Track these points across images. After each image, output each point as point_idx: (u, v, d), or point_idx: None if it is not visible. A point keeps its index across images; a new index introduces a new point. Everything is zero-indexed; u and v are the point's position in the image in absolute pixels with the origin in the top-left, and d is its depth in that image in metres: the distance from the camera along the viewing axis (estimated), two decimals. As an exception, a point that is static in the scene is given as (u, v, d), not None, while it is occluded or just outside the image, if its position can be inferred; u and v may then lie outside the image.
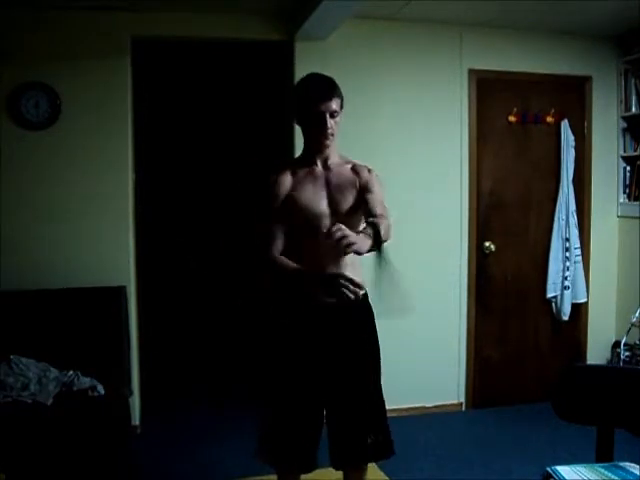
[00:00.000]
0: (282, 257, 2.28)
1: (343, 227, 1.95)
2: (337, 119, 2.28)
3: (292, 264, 2.24)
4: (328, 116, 2.23)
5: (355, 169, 2.37)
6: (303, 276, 2.23)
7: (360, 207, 2.31)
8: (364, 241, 1.98)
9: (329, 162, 2.34)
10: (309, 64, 3.80)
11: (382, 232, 2.06)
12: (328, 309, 2.28)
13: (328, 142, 2.28)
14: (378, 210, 2.22)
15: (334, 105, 2.24)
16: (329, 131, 2.25)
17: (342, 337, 2.32)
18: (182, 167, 5.64)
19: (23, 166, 3.67)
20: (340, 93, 2.29)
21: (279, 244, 2.29)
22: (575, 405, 2.26)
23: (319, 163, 2.33)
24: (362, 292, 2.35)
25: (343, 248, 1.93)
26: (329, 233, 1.95)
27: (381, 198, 2.31)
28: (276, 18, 3.87)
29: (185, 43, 4.28)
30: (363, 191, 2.30)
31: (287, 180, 2.30)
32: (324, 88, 2.27)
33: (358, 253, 1.99)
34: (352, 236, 1.93)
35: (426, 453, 3.59)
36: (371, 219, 2.10)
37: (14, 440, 2.81)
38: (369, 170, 2.38)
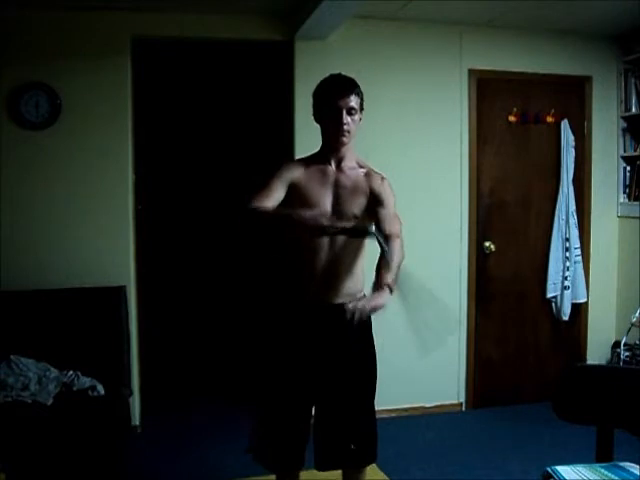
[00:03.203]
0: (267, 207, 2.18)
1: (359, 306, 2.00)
2: (355, 117, 2.25)
3: (282, 210, 2.17)
4: (345, 112, 2.22)
5: (368, 176, 2.33)
6: (293, 221, 2.12)
7: (366, 215, 2.29)
8: (381, 296, 2.03)
9: (343, 164, 2.31)
10: (309, 64, 3.82)
11: (395, 262, 2.09)
12: (323, 309, 2.28)
13: (344, 139, 2.25)
14: (388, 227, 2.21)
15: (352, 102, 2.23)
16: (345, 127, 2.22)
17: (337, 339, 2.30)
18: (182, 167, 5.64)
19: (23, 166, 3.67)
20: (360, 92, 2.28)
21: (268, 204, 2.18)
22: (575, 405, 2.26)
23: (333, 163, 2.31)
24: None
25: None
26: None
27: (393, 210, 2.30)
28: (276, 18, 3.87)
29: (185, 43, 4.28)
30: (374, 203, 2.28)
31: (297, 169, 2.29)
32: (343, 84, 2.27)
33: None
34: (366, 303, 2.01)
35: (426, 453, 3.59)
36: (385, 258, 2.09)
37: (14, 440, 2.81)
38: (382, 178, 2.35)
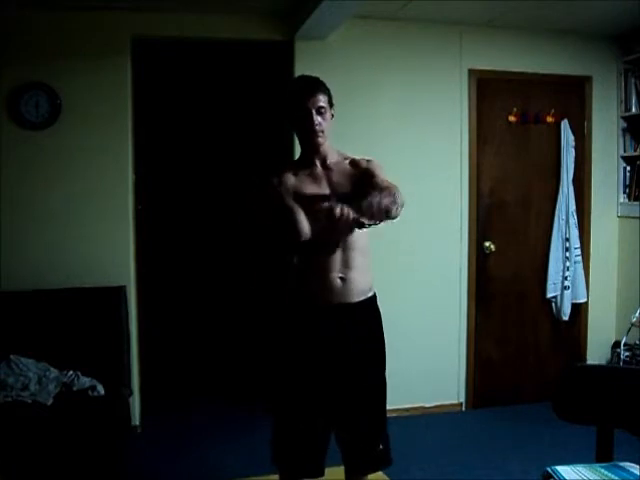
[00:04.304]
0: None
1: (341, 205, 1.92)
2: (326, 116, 2.25)
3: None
4: (314, 112, 2.21)
5: (354, 162, 2.34)
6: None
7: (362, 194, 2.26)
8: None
9: (328, 161, 2.31)
10: (309, 64, 3.81)
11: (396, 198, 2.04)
12: (334, 310, 2.26)
13: (319, 139, 2.25)
14: (382, 183, 2.19)
15: (319, 101, 2.22)
16: (316, 127, 2.22)
17: (348, 341, 2.28)
18: (182, 167, 5.64)
19: (23, 166, 3.67)
20: (326, 90, 2.27)
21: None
22: (575, 405, 2.26)
23: (318, 163, 2.30)
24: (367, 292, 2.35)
25: (350, 223, 1.90)
26: (329, 212, 1.92)
27: (385, 178, 2.27)
28: (276, 18, 3.87)
29: (185, 43, 4.28)
30: (364, 177, 2.27)
31: (290, 180, 2.28)
32: (308, 85, 2.27)
33: (360, 225, 1.96)
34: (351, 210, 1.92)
35: (426, 453, 3.59)
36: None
37: (14, 440, 2.81)
38: (368, 160, 2.35)
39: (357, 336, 2.30)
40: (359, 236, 2.26)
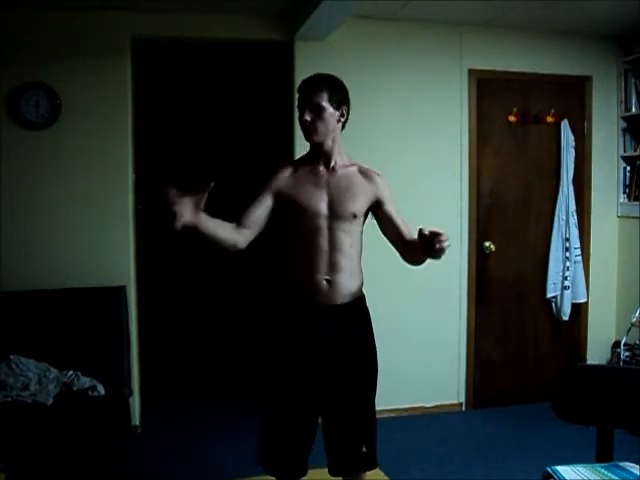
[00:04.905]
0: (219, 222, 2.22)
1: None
2: (325, 115, 2.20)
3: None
4: (307, 110, 2.19)
5: (365, 174, 2.32)
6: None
7: (366, 213, 2.31)
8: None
9: (332, 163, 2.29)
10: (309, 64, 3.81)
11: None
12: (319, 312, 2.26)
13: (313, 138, 2.23)
14: (402, 225, 2.30)
15: (317, 99, 2.18)
16: (306, 125, 2.20)
17: (337, 341, 2.28)
18: (182, 167, 5.63)
19: (23, 166, 3.68)
20: (328, 89, 2.21)
21: (246, 223, 2.23)
22: (575, 405, 2.26)
23: (322, 163, 2.29)
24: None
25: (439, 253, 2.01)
26: (435, 238, 2.02)
27: (395, 209, 2.36)
28: (276, 18, 3.87)
29: (185, 43, 4.28)
30: (378, 201, 2.30)
31: (285, 175, 2.28)
32: (307, 83, 2.25)
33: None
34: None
35: (426, 453, 3.59)
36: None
37: (14, 440, 2.81)
38: (377, 174, 2.34)
39: (343, 337, 2.28)
40: (346, 240, 2.26)
